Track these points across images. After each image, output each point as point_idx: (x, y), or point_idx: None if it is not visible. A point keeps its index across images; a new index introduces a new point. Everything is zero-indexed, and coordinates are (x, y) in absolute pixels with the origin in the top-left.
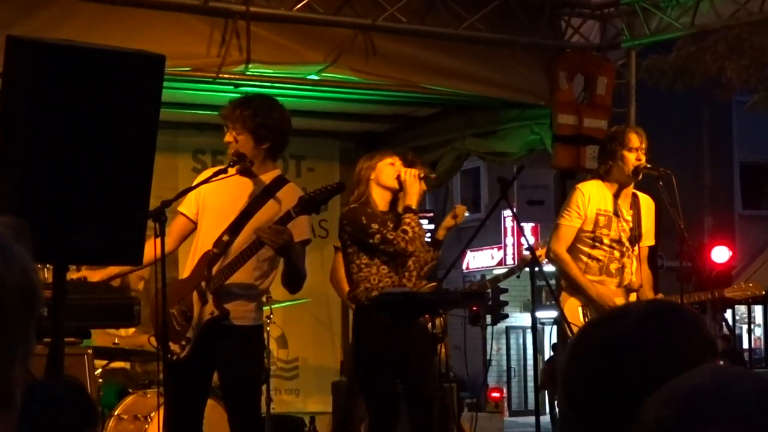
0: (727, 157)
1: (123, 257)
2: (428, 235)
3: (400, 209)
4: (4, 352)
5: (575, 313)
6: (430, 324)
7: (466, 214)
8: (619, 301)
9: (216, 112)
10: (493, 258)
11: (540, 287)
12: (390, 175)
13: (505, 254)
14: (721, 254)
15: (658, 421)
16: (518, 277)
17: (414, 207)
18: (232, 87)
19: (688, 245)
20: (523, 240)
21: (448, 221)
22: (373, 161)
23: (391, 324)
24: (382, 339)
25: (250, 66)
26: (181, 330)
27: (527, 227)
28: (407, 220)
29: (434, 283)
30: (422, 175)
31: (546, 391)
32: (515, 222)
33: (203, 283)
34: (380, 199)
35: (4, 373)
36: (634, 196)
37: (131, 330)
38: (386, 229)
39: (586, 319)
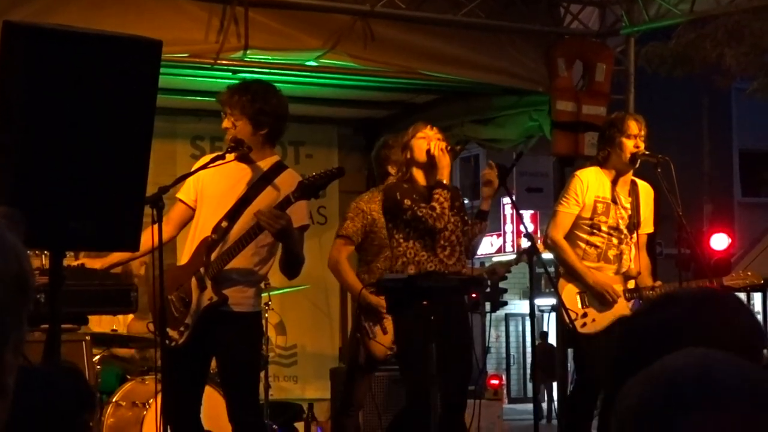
0: (727, 144)
1: (120, 243)
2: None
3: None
4: None
5: (573, 299)
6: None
7: (465, 200)
8: (618, 288)
9: (214, 99)
10: (492, 245)
11: (539, 274)
12: (421, 149)
13: (504, 241)
14: (720, 241)
15: (640, 402)
16: (517, 263)
17: (445, 181)
18: (230, 73)
19: (686, 232)
20: (522, 227)
21: (486, 190)
22: (406, 140)
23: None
24: (419, 315)
25: (248, 52)
26: (179, 316)
27: (526, 214)
28: (436, 196)
29: (480, 270)
30: (448, 147)
31: (537, 382)
32: (514, 209)
33: (202, 270)
34: (419, 175)
35: None
36: (633, 184)
37: (130, 317)
38: (417, 206)
39: (584, 306)
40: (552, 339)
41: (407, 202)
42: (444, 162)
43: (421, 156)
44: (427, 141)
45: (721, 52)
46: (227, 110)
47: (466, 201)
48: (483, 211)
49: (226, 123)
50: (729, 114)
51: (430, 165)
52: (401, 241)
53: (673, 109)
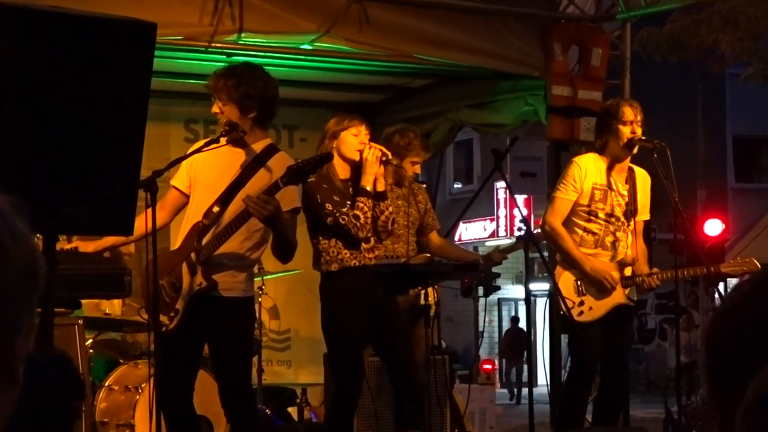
0: (720, 130)
1: (114, 227)
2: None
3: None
4: (9, 325)
5: (570, 287)
6: (423, 294)
7: (458, 184)
8: (614, 275)
9: None
10: (485, 230)
11: (532, 259)
12: (352, 147)
13: (497, 226)
14: (714, 227)
15: (757, 397)
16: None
17: (369, 189)
18: (224, 56)
19: (682, 218)
20: (516, 212)
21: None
22: (338, 128)
23: (355, 292)
24: (345, 306)
25: (242, 35)
26: (170, 301)
27: (520, 199)
28: (360, 205)
29: (427, 255)
30: (384, 158)
31: (504, 360)
32: (507, 193)
33: (193, 255)
34: (341, 168)
35: (7, 347)
36: (630, 170)
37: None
38: (339, 212)
39: (581, 294)
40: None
41: (329, 207)
42: (373, 170)
43: (350, 153)
44: (360, 140)
45: (717, 38)
46: (215, 95)
47: (458, 185)
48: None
49: (214, 108)
50: (723, 100)
51: (357, 164)
52: (321, 239)
53: (668, 94)
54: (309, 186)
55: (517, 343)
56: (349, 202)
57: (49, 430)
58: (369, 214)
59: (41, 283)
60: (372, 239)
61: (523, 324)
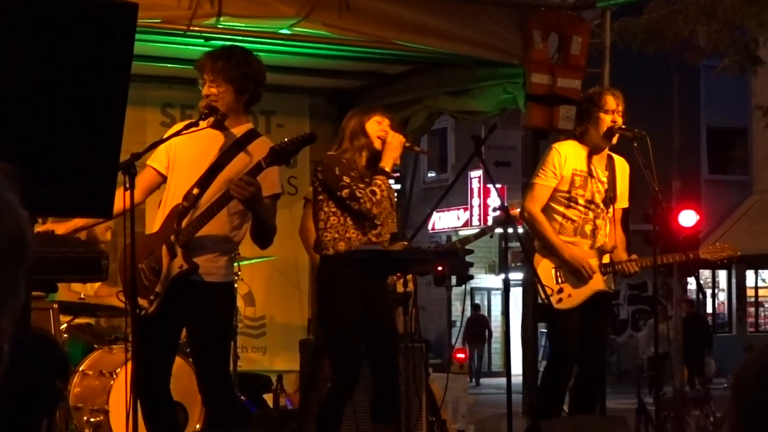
0: (695, 121)
1: (93, 210)
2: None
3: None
4: None
5: (548, 274)
6: (402, 281)
7: (432, 173)
8: (593, 262)
9: (186, 66)
10: (459, 219)
11: (509, 248)
12: (374, 133)
13: (471, 215)
14: (688, 218)
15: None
16: (491, 236)
17: (388, 170)
18: (202, 40)
19: (662, 207)
20: (490, 201)
21: (392, 147)
22: (364, 118)
23: (357, 276)
24: (348, 289)
25: (221, 19)
26: (149, 285)
27: (494, 189)
28: (378, 182)
29: (405, 242)
30: (407, 144)
31: (467, 345)
32: (482, 183)
33: (172, 237)
34: (362, 155)
35: None
36: (610, 158)
37: (96, 285)
38: (356, 186)
39: (559, 282)
40: (518, 313)
41: (346, 179)
42: (395, 154)
43: (375, 140)
44: (382, 127)
45: (693, 29)
46: (207, 77)
47: (432, 174)
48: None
49: (207, 89)
50: (697, 91)
51: (377, 151)
52: (330, 215)
53: (645, 85)
54: (328, 159)
55: (480, 328)
56: (367, 181)
57: (35, 410)
58: (384, 194)
59: (29, 259)
60: (379, 227)
61: (497, 312)
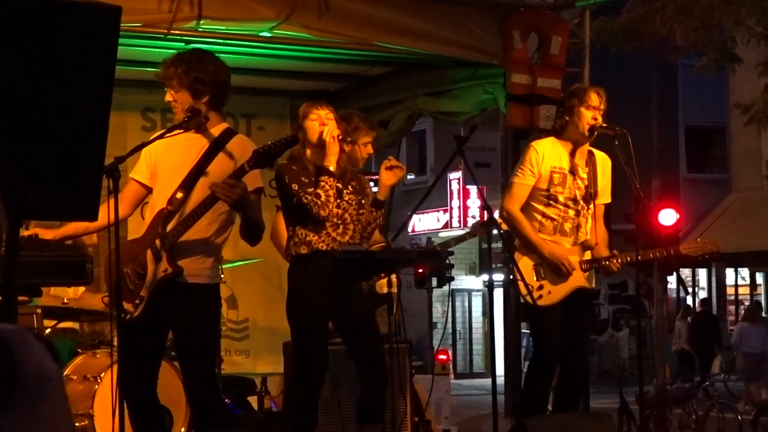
0: (673, 120)
1: (78, 213)
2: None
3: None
4: None
5: (529, 272)
6: (386, 282)
7: (411, 176)
8: (574, 259)
9: None
10: (438, 221)
11: (491, 248)
12: (312, 130)
13: (451, 217)
14: (668, 217)
15: None
16: (472, 236)
17: (331, 168)
18: (183, 44)
19: (644, 204)
20: (469, 203)
21: (387, 178)
22: (303, 114)
23: (323, 277)
24: (312, 291)
25: (201, 22)
26: (134, 289)
27: (473, 190)
28: (321, 183)
29: (383, 243)
30: (340, 136)
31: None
32: (461, 184)
33: (157, 241)
34: (312, 154)
35: None
36: (590, 154)
37: (80, 290)
38: (303, 192)
39: (540, 278)
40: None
41: (294, 186)
42: (333, 149)
43: (312, 137)
44: (319, 122)
45: (671, 28)
46: (166, 83)
47: (412, 176)
48: (378, 201)
49: (167, 96)
50: (676, 90)
51: (321, 147)
52: (293, 222)
53: (622, 84)
54: (280, 168)
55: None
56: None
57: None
58: (331, 193)
59: None
60: (341, 226)
61: (478, 314)
